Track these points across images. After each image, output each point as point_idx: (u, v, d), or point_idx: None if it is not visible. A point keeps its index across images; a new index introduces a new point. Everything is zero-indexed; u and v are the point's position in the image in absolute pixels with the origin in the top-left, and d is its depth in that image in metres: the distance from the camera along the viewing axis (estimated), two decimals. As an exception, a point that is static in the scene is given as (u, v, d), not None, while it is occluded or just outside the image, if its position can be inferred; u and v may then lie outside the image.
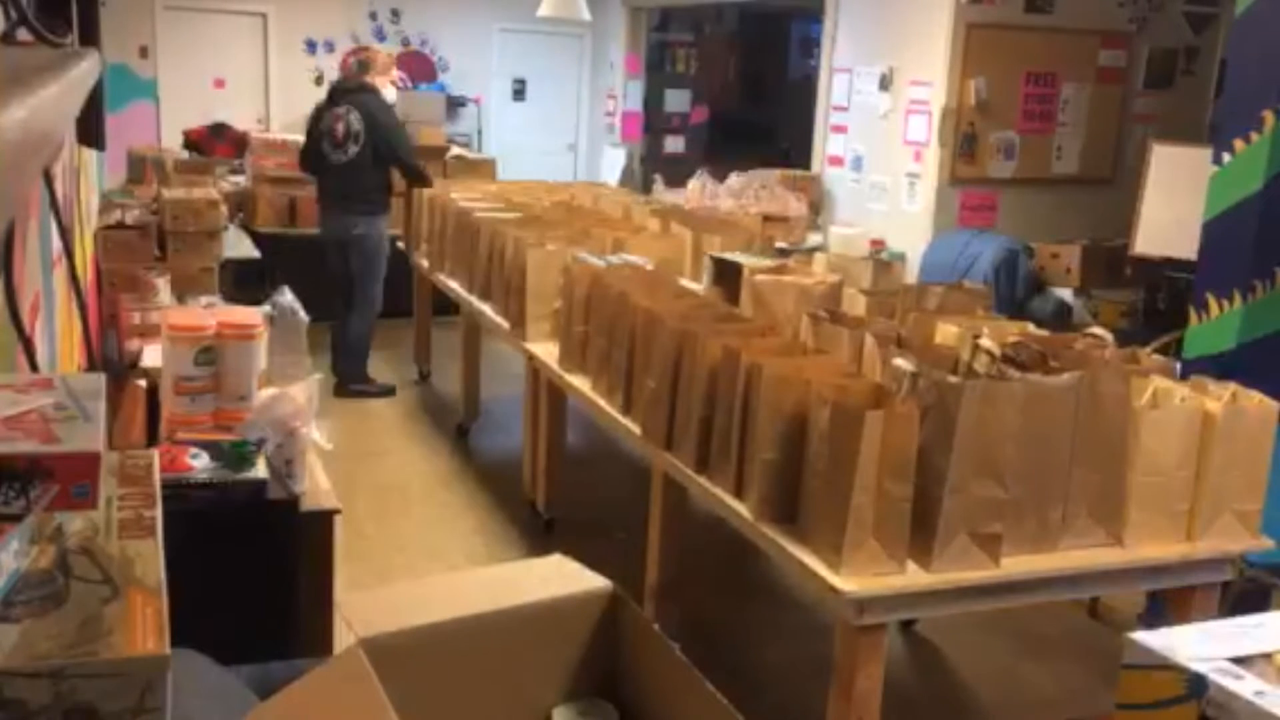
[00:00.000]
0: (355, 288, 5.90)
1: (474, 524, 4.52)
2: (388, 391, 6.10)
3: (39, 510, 1.02)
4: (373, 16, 10.08)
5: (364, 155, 5.74)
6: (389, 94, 6.11)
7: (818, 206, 7.61)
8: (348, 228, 5.82)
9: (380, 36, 10.14)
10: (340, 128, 5.73)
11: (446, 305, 5.58)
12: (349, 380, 6.00)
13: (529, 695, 1.40)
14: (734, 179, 7.65)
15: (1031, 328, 3.31)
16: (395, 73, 6.86)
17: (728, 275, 3.90)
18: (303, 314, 2.91)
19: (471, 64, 10.41)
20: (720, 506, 2.82)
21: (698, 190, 7.73)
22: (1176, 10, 7.13)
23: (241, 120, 9.17)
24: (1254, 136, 3.39)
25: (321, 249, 5.95)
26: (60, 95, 0.81)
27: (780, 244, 6.13)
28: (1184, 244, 4.63)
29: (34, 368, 1.71)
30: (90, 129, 2.11)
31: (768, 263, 3.96)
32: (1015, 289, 6.16)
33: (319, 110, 5.91)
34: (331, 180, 5.86)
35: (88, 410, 1.10)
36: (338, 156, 5.76)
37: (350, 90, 5.87)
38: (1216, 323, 3.52)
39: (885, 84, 7.04)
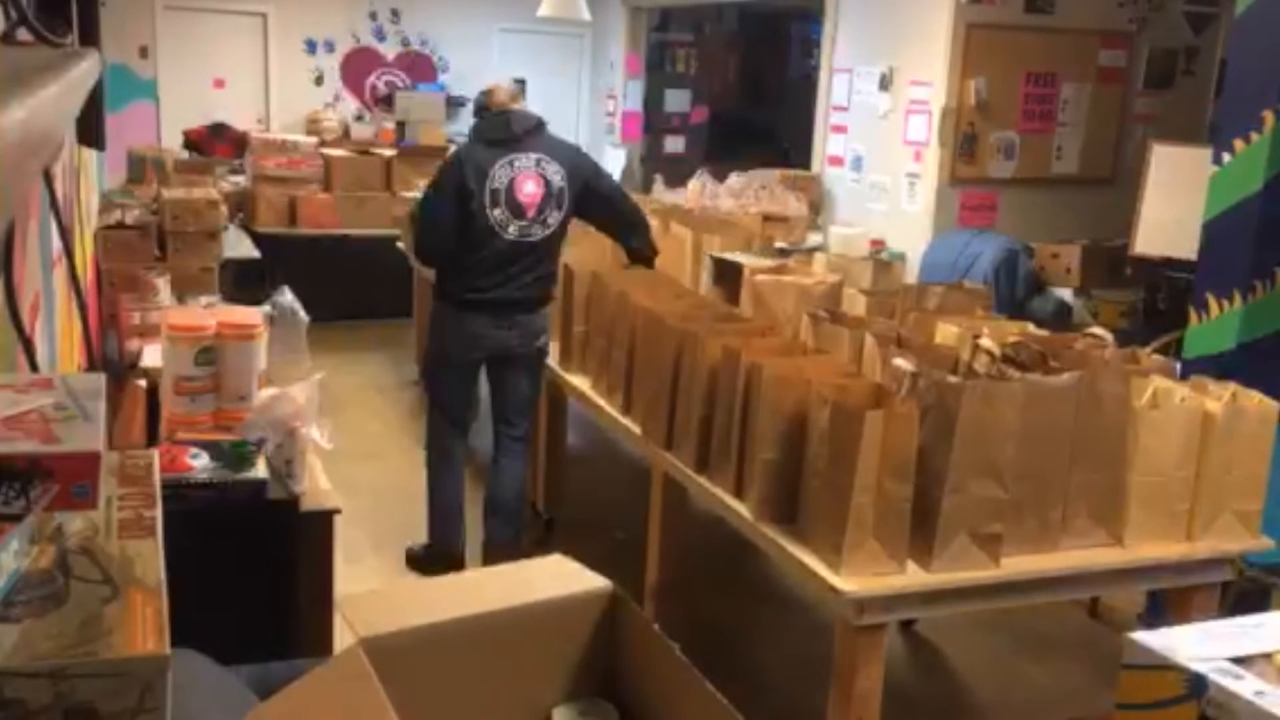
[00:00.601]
0: (513, 417, 4.04)
1: (474, 524, 4.51)
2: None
3: (39, 510, 1.02)
4: (373, 16, 10.08)
5: (564, 226, 3.87)
6: None
7: (818, 206, 7.61)
8: (530, 336, 3.87)
9: (380, 36, 10.15)
10: (533, 188, 3.71)
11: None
12: (507, 546, 4.05)
13: (529, 695, 1.40)
14: (734, 179, 7.65)
15: (1031, 328, 3.31)
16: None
17: (728, 275, 3.90)
18: (303, 314, 2.91)
19: (471, 64, 10.40)
20: (720, 506, 2.82)
21: (698, 190, 7.73)
22: (1176, 10, 7.13)
23: (241, 120, 9.17)
24: (1254, 136, 3.39)
25: (446, 368, 4.01)
26: (60, 95, 0.81)
27: (780, 244, 6.13)
28: (1184, 244, 4.63)
29: (34, 368, 1.71)
30: (90, 129, 2.11)
31: (768, 263, 3.96)
32: (1015, 289, 6.16)
33: (476, 165, 3.71)
34: (501, 263, 3.74)
35: (88, 410, 1.10)
36: (528, 231, 3.73)
37: (533, 130, 3.81)
38: (1216, 323, 3.52)
39: (885, 84, 7.04)
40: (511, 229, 3.71)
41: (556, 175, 3.76)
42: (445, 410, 4.07)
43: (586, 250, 4.28)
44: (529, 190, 3.72)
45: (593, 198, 3.89)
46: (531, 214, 3.74)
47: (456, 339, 3.87)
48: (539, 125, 3.84)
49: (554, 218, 3.78)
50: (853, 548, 2.35)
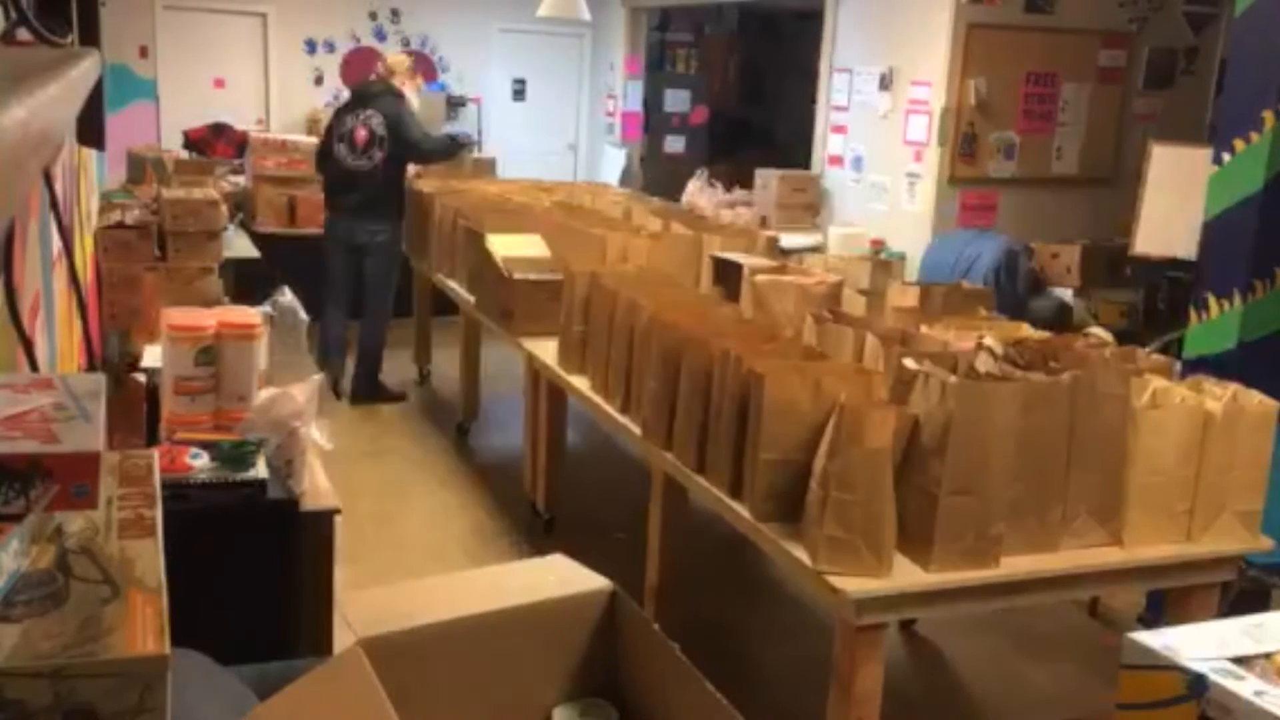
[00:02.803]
0: (370, 294, 5.88)
1: (474, 524, 4.52)
2: (399, 398, 6.04)
3: (39, 510, 1.02)
4: (373, 16, 10.07)
5: (389, 161, 5.71)
6: (413, 98, 6.00)
7: (818, 206, 7.61)
8: (369, 233, 5.75)
9: (380, 36, 10.13)
10: (363, 133, 5.67)
11: (446, 305, 5.58)
12: (365, 388, 5.97)
13: (529, 695, 1.40)
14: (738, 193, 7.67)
15: (1029, 328, 3.31)
16: (419, 78, 6.60)
17: (728, 275, 3.91)
18: (303, 314, 2.91)
19: (471, 64, 10.40)
20: (720, 506, 2.82)
21: (698, 190, 7.74)
22: (1176, 10, 7.13)
23: (241, 120, 9.16)
24: (1254, 136, 3.39)
25: (324, 252, 5.89)
26: (60, 95, 0.81)
27: (784, 243, 6.13)
28: (1184, 244, 4.63)
29: (34, 368, 1.71)
30: (90, 129, 2.11)
31: (768, 262, 3.96)
32: (1015, 289, 6.15)
33: (338, 113, 5.91)
34: (347, 184, 5.76)
35: (88, 410, 1.10)
36: (360, 162, 5.69)
37: (375, 94, 5.81)
38: (1216, 323, 3.52)
39: (885, 84, 7.04)
40: (350, 160, 5.74)
41: (379, 127, 5.67)
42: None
43: (586, 251, 4.28)
44: (361, 135, 5.71)
45: (405, 151, 5.75)
46: (361, 149, 5.71)
47: (330, 230, 5.93)
48: (383, 93, 5.80)
49: (376, 155, 5.70)
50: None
